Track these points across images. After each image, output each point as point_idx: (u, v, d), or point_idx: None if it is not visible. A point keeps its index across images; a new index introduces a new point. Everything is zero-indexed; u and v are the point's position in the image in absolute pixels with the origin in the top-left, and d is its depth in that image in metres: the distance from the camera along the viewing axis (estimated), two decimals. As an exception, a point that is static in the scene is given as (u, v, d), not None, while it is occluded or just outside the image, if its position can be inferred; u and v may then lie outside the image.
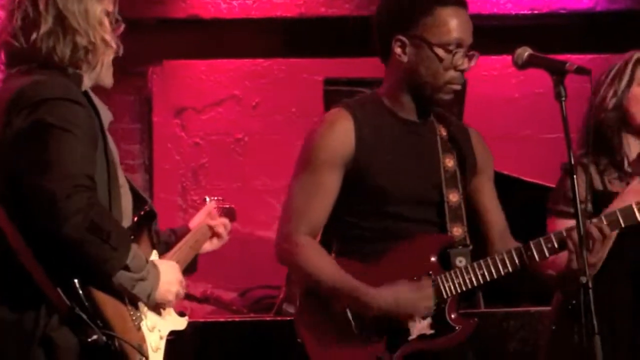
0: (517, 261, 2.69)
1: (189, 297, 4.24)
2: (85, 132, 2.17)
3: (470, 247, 2.74)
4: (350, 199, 2.73)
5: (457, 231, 2.73)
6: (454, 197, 2.73)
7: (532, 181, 4.13)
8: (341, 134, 2.70)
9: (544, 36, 5.00)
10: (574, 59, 2.63)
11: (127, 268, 2.16)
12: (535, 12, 5.43)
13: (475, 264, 2.69)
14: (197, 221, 2.80)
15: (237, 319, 4.35)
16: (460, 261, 2.70)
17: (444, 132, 2.79)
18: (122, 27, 2.41)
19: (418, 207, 2.72)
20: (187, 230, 2.75)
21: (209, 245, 2.78)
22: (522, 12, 5.42)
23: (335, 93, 5.51)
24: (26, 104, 2.17)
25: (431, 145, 2.76)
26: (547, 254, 2.69)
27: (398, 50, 2.69)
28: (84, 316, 2.12)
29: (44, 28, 2.26)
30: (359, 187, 2.72)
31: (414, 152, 2.75)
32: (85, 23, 2.29)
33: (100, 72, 2.35)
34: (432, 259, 2.70)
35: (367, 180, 2.70)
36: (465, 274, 2.67)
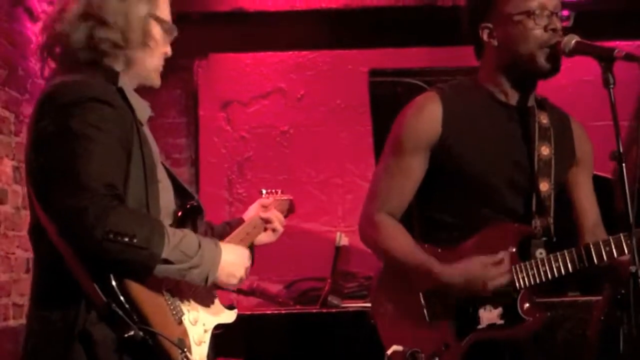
0: (594, 256, 2.64)
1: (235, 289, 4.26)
2: (112, 133, 2.17)
3: (554, 239, 2.71)
4: (435, 183, 2.74)
5: (542, 222, 2.70)
6: (544, 186, 2.71)
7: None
8: (427, 117, 2.71)
9: (593, 22, 4.92)
10: (622, 46, 2.58)
11: (167, 261, 2.16)
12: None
13: (551, 257, 2.65)
14: (250, 214, 2.79)
15: (283, 312, 4.36)
16: (541, 253, 2.68)
17: (544, 120, 2.76)
18: (175, 34, 2.43)
19: (506, 194, 2.70)
20: (242, 222, 2.75)
21: (264, 237, 2.77)
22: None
23: (380, 84, 5.49)
24: (54, 105, 2.19)
25: (528, 132, 2.73)
26: (626, 251, 2.62)
27: (487, 37, 2.72)
28: (120, 312, 2.14)
29: (80, 20, 2.30)
30: (445, 171, 2.72)
31: (508, 137, 2.73)
32: (123, 20, 2.31)
33: (142, 73, 2.37)
34: (512, 249, 2.67)
35: (453, 164, 2.70)
36: (540, 266, 2.64)
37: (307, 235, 5.30)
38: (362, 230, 2.80)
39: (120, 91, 2.28)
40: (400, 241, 2.71)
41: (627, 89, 2.91)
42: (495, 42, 2.71)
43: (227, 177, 5.61)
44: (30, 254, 4.23)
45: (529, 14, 2.63)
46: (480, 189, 2.68)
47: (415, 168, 2.72)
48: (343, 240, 4.61)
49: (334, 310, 4.25)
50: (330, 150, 5.57)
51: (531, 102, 2.77)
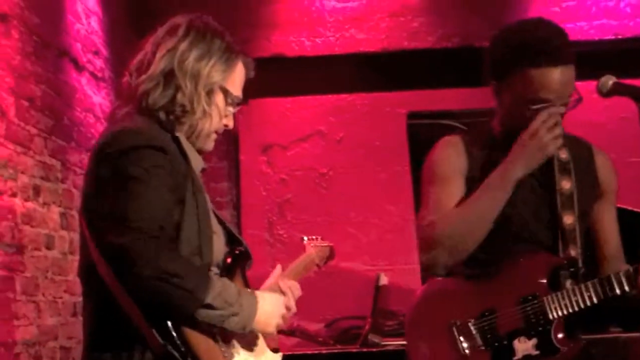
0: (625, 284, 2.63)
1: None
2: (163, 179, 2.19)
3: (582, 269, 2.72)
4: None
5: (570, 253, 2.71)
6: (568, 219, 2.72)
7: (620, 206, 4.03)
8: (454, 151, 2.77)
9: (628, 61, 4.92)
10: (659, 84, 2.57)
11: (209, 306, 2.18)
12: (619, 37, 5.36)
13: (582, 286, 2.65)
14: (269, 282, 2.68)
15: (323, 351, 4.35)
16: (571, 283, 2.68)
17: (562, 155, 2.76)
18: (239, 107, 2.43)
19: (531, 229, 2.73)
20: None
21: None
22: (605, 37, 5.35)
23: (418, 126, 5.50)
24: (108, 153, 2.22)
25: (547, 168, 2.75)
26: None
27: (494, 93, 2.75)
28: (176, 354, 2.16)
29: (149, 72, 2.31)
30: None
31: (528, 175, 2.73)
32: (192, 86, 2.31)
33: (195, 137, 2.35)
34: (542, 280, 2.67)
35: None
36: (572, 295, 2.64)
37: (347, 275, 5.29)
38: (421, 234, 2.77)
39: (176, 140, 2.30)
40: (463, 204, 2.71)
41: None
42: (499, 102, 2.75)
43: (267, 218, 5.63)
44: (77, 298, 4.29)
45: (530, 105, 2.64)
46: (505, 224, 2.70)
47: (457, 193, 2.74)
48: (383, 279, 4.60)
49: (374, 349, 4.23)
50: (369, 191, 5.57)
51: None
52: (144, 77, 2.31)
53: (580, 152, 2.83)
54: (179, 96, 2.30)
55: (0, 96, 3.83)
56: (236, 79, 2.39)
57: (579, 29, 5.33)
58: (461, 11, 5.46)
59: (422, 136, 5.51)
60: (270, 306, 2.33)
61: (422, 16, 5.51)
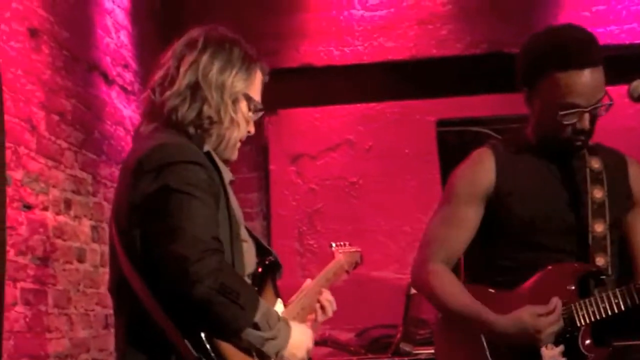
0: None
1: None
2: (207, 193, 2.21)
3: (612, 277, 2.71)
4: (490, 229, 2.78)
5: (600, 261, 2.70)
6: (599, 227, 2.72)
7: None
8: (482, 169, 2.77)
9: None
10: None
11: (255, 326, 2.18)
12: (651, 41, 5.30)
13: (610, 293, 2.65)
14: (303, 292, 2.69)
15: (354, 360, 4.32)
16: (600, 291, 2.68)
17: (595, 165, 2.77)
18: (261, 114, 2.45)
19: (561, 238, 2.73)
20: None
21: (320, 316, 2.70)
22: (636, 41, 5.30)
23: (448, 133, 5.48)
24: (150, 168, 2.21)
25: (578, 177, 2.76)
26: None
27: (525, 100, 2.76)
28: None
29: (175, 88, 2.33)
30: (500, 218, 2.76)
31: (559, 184, 2.76)
32: (218, 97, 2.34)
33: (223, 147, 2.38)
34: (570, 287, 2.68)
35: (508, 212, 2.74)
36: (600, 302, 2.64)
37: (377, 283, 5.28)
38: (414, 277, 2.85)
39: (208, 154, 2.32)
40: (453, 291, 2.74)
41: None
42: (531, 110, 2.76)
43: (297, 228, 5.63)
44: (108, 310, 4.31)
45: (561, 111, 2.63)
46: (534, 234, 2.72)
47: (471, 218, 2.77)
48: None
49: (406, 358, 4.20)
50: (399, 199, 5.55)
51: (581, 149, 2.78)
52: (169, 92, 2.33)
53: (614, 162, 2.82)
54: (206, 108, 2.32)
55: (31, 111, 3.86)
56: (257, 85, 2.42)
57: (610, 33, 5.28)
58: (489, 18, 5.43)
59: (451, 143, 5.51)
60: (300, 336, 2.33)
61: (450, 23, 5.49)
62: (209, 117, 2.33)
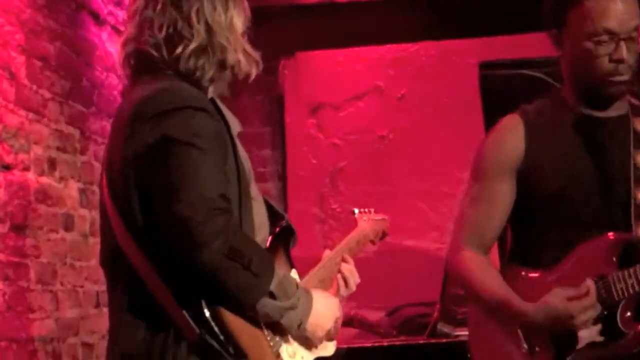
0: None
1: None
2: (214, 143, 2.22)
3: None
4: (526, 204, 2.85)
5: None
6: None
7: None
8: (509, 140, 2.86)
9: None
10: None
11: (272, 295, 2.20)
12: None
13: None
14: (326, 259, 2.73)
15: (385, 343, 4.36)
16: None
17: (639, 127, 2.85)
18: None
19: (600, 207, 2.79)
20: None
21: (342, 290, 2.73)
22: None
23: (492, 78, 5.44)
24: (149, 115, 2.23)
25: (620, 141, 2.82)
26: None
27: (557, 45, 2.84)
28: (215, 343, 2.17)
29: (194, 43, 2.35)
30: (533, 192, 2.84)
31: (597, 149, 2.82)
32: (233, 37, 2.38)
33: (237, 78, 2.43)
34: (611, 259, 2.74)
35: (541, 184, 2.82)
36: (639, 273, 2.69)
37: (412, 254, 5.31)
38: (448, 266, 2.99)
39: (213, 102, 2.35)
40: (485, 279, 2.83)
41: None
42: (562, 55, 2.84)
43: (318, 191, 5.67)
44: (100, 287, 4.32)
45: (596, 41, 2.73)
46: (571, 206, 2.79)
47: (503, 194, 2.86)
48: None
49: (444, 340, 4.22)
50: (436, 156, 5.57)
51: (623, 110, 2.85)
52: (190, 48, 2.33)
53: None
54: (229, 56, 2.36)
55: (9, 55, 3.85)
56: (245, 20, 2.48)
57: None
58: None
59: (497, 90, 5.48)
60: (325, 305, 2.35)
61: (496, -51, 5.43)
62: (232, 67, 2.37)
